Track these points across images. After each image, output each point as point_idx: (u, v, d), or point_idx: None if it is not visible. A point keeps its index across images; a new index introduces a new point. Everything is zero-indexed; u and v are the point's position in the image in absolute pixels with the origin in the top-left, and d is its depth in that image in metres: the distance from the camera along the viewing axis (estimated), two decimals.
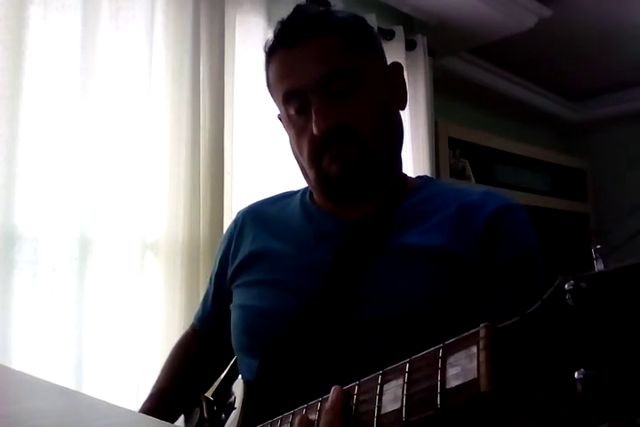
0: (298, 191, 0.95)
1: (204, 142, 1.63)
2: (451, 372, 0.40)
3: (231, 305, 0.88)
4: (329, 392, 0.53)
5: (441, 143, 2.79)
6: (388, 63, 0.88)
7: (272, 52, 0.82)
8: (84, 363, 1.34)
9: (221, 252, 0.95)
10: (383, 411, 0.45)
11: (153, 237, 1.52)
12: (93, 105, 1.42)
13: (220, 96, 1.68)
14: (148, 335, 1.46)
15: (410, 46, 2.36)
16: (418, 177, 0.92)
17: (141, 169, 1.49)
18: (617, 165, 3.70)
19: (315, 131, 0.75)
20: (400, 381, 0.45)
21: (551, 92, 3.59)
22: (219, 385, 0.95)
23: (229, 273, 0.90)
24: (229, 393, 0.92)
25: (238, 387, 0.77)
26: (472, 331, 0.41)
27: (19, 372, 0.67)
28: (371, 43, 0.83)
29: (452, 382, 0.40)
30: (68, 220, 1.35)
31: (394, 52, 2.24)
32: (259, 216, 0.93)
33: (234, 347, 0.86)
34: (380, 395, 0.46)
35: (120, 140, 1.47)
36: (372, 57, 0.83)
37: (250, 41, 1.78)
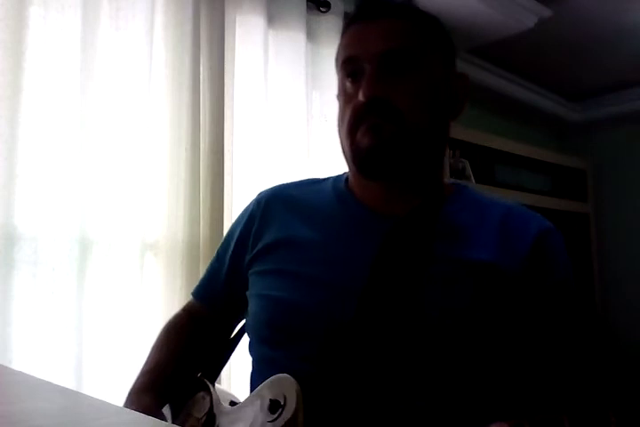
0: (327, 179, 0.92)
1: (204, 142, 1.63)
2: None
3: (250, 293, 0.85)
4: (393, 396, 0.52)
5: None
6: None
7: (347, 25, 0.85)
8: (84, 363, 1.34)
9: (239, 232, 0.90)
10: None
11: (153, 238, 1.52)
12: (93, 105, 1.42)
13: (220, 96, 1.68)
14: (147, 335, 1.46)
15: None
16: (451, 183, 0.91)
17: (141, 169, 1.49)
18: (617, 165, 3.70)
19: (360, 96, 0.76)
20: None
21: (551, 92, 3.59)
22: (209, 365, 0.92)
23: (248, 257, 0.86)
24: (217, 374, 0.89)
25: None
26: None
27: (19, 372, 0.67)
28: (441, 44, 0.84)
29: None
30: (68, 220, 1.35)
31: None
32: (287, 201, 0.89)
33: (252, 336, 0.84)
34: None
35: (120, 141, 1.47)
36: (439, 56, 0.83)
37: (250, 41, 1.78)
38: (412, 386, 0.70)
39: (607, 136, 3.77)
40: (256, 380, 0.81)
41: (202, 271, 1.54)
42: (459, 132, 2.94)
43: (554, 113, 3.71)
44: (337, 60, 0.86)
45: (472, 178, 2.93)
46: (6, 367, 0.81)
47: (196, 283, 1.50)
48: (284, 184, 0.97)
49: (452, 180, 0.90)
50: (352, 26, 0.84)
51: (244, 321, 0.94)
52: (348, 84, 0.81)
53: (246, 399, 0.74)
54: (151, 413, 0.77)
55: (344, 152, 0.84)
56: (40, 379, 0.61)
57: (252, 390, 0.82)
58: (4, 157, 1.26)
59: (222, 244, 0.95)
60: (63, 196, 1.35)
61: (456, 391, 0.71)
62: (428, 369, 0.70)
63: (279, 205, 0.88)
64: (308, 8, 1.92)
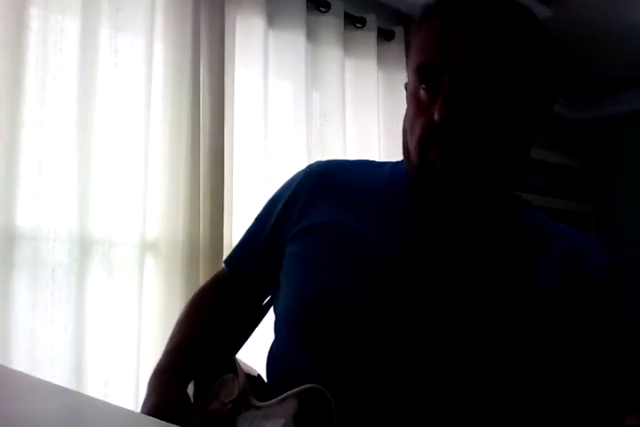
0: (383, 164, 0.87)
1: (204, 142, 1.63)
2: None
3: (283, 275, 0.81)
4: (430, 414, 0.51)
5: None
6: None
7: (428, 17, 0.74)
8: (84, 363, 1.34)
9: (283, 202, 0.85)
10: None
11: (153, 238, 1.52)
12: (93, 105, 1.42)
13: (221, 96, 1.68)
14: (147, 336, 1.46)
15: (410, 47, 2.36)
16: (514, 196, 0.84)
17: (141, 169, 1.49)
18: (617, 165, 3.70)
19: (435, 116, 0.67)
20: None
21: None
22: (232, 340, 0.89)
23: (289, 233, 0.81)
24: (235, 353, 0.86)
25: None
26: None
27: (19, 372, 0.68)
28: (533, 50, 0.73)
29: None
30: (68, 220, 1.35)
31: (394, 53, 2.24)
32: (340, 182, 0.83)
33: (279, 319, 0.81)
34: None
35: (120, 141, 1.47)
36: (529, 66, 0.72)
37: (250, 41, 1.78)
38: (454, 410, 0.67)
39: (607, 136, 3.77)
40: (274, 364, 0.79)
41: (202, 271, 1.55)
42: None
43: (554, 113, 3.70)
44: (411, 56, 0.77)
45: None
46: (6, 367, 0.81)
47: (195, 283, 1.51)
48: (337, 161, 0.90)
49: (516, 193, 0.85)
50: (432, 21, 0.73)
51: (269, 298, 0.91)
52: (422, 92, 0.73)
53: (273, 402, 0.69)
54: (176, 398, 0.75)
55: (408, 161, 0.76)
56: (40, 379, 0.61)
57: (268, 370, 0.80)
58: (4, 157, 1.26)
59: (263, 211, 0.90)
60: (63, 196, 1.35)
61: (497, 415, 0.68)
62: (472, 394, 0.67)
63: (330, 186, 0.82)
64: (308, 8, 1.92)
